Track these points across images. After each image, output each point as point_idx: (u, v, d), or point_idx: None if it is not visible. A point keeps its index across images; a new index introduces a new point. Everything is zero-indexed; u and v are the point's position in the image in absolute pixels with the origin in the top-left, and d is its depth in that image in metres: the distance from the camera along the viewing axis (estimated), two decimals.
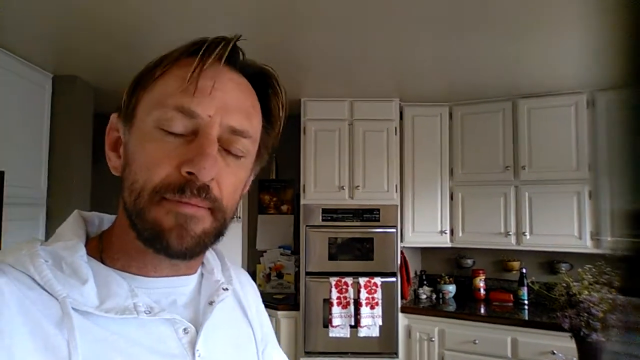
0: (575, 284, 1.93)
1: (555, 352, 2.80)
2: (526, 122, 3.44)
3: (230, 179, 0.60)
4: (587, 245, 3.20)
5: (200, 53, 0.57)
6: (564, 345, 2.35)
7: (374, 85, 3.34)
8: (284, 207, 4.19)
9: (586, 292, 1.89)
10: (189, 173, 0.55)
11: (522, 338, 3.08)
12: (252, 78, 0.64)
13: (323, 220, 3.48)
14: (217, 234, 0.61)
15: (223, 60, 0.59)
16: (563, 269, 3.46)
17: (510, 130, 3.50)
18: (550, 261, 3.56)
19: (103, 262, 0.60)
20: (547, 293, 2.11)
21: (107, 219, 0.69)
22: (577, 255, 3.30)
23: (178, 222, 0.56)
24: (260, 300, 0.83)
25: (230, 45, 0.59)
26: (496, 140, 3.54)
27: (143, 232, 0.57)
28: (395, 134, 3.60)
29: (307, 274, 3.48)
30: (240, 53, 0.63)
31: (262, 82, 0.65)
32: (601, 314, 1.84)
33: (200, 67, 0.57)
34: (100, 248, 0.62)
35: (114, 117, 0.64)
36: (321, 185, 3.53)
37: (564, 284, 1.98)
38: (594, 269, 1.94)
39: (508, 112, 3.51)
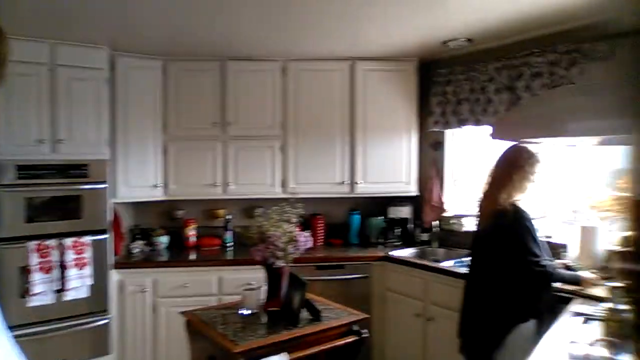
0: (265, 223, 2.36)
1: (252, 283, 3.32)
2: (233, 82, 3.79)
3: None
4: (277, 191, 3.84)
5: None
6: (260, 276, 2.82)
7: (83, 29, 3.06)
8: None
9: (272, 229, 2.34)
10: None
11: (227, 275, 3.52)
12: None
13: (20, 178, 3.08)
14: None
15: None
16: (258, 212, 4.05)
17: (219, 89, 3.80)
18: (251, 207, 4.11)
19: None
20: (243, 233, 2.50)
21: None
22: (271, 200, 3.92)
23: None
24: None
25: None
26: (206, 98, 3.79)
27: None
28: (106, 85, 3.42)
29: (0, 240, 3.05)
30: None
31: None
32: (283, 245, 2.33)
33: None
34: None
35: None
36: (15, 138, 3.09)
37: (258, 225, 2.39)
38: (278, 210, 2.41)
39: (217, 72, 3.79)
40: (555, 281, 2.43)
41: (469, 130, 3.77)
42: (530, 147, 2.46)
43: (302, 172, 3.88)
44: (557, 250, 3.18)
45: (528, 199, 2.45)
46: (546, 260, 2.37)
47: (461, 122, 3.66)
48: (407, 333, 3.46)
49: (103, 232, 3.39)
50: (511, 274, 2.36)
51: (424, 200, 4.02)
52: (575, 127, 1.28)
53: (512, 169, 2.41)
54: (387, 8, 2.73)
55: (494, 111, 3.38)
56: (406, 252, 3.78)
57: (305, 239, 2.38)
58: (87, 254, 3.25)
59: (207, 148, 3.82)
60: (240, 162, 3.84)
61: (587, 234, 2.91)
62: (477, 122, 3.55)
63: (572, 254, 2.99)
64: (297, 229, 2.45)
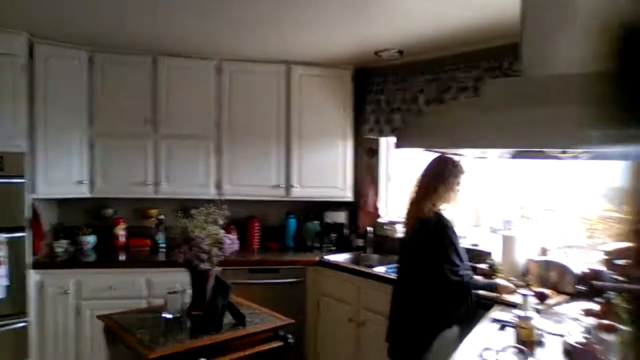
0: (189, 224, 2.30)
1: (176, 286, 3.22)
2: (165, 79, 3.68)
3: None
4: (211, 192, 3.75)
5: None
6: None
7: None
8: None
9: (197, 231, 2.28)
10: None
11: (156, 278, 3.40)
12: None
13: None
14: None
15: None
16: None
17: (150, 85, 3.67)
18: (186, 208, 3.98)
19: None
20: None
21: None
22: (206, 202, 3.83)
23: None
24: None
25: None
26: (136, 93, 3.65)
27: None
28: (23, 72, 3.21)
29: None
30: None
31: None
32: (208, 247, 2.27)
33: None
34: None
35: None
36: None
37: (182, 225, 2.32)
38: (204, 211, 2.35)
39: (149, 67, 3.66)
40: (471, 290, 2.51)
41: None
42: (455, 157, 2.55)
43: (236, 174, 3.82)
44: (483, 257, 3.30)
45: (452, 208, 2.54)
46: (465, 269, 2.45)
47: (394, 131, 3.73)
48: (340, 338, 3.47)
49: (20, 229, 3.17)
50: (432, 282, 2.42)
51: (359, 206, 4.07)
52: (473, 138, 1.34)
53: (437, 178, 2.49)
54: (319, 14, 2.76)
55: None
56: (341, 257, 3.80)
57: (231, 242, 2.34)
58: (3, 253, 3.04)
59: (138, 145, 3.68)
60: (173, 161, 3.72)
61: (509, 243, 3.04)
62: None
63: (495, 261, 3.12)
64: (224, 232, 2.40)
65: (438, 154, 2.52)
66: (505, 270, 2.93)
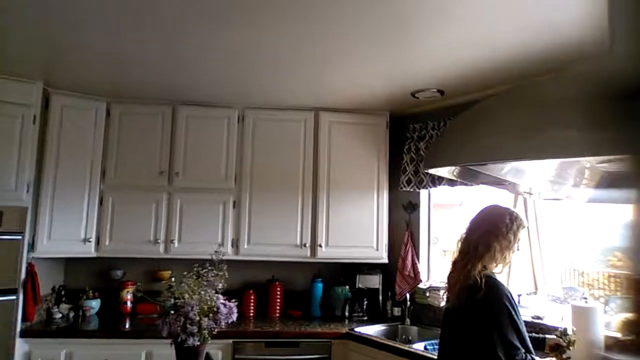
0: (176, 287, 1.88)
1: None
2: (184, 129, 3.42)
3: None
4: (227, 252, 3.34)
5: None
6: None
7: (11, 62, 2.74)
8: None
9: (186, 296, 1.86)
10: None
11: (158, 350, 2.94)
12: None
13: None
14: None
15: None
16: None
17: (168, 135, 3.41)
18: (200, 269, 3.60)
19: None
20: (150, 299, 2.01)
21: None
22: (223, 262, 3.43)
23: None
24: None
25: None
26: (153, 144, 3.39)
27: None
28: (34, 123, 3.03)
29: None
30: None
31: None
32: (197, 318, 1.83)
33: None
34: None
35: None
36: None
37: (169, 288, 1.91)
38: (199, 271, 1.93)
39: (167, 116, 3.43)
40: None
41: (445, 190, 3.37)
42: (512, 208, 2.04)
43: (256, 232, 3.41)
44: (549, 332, 2.67)
45: (504, 270, 2.00)
46: (527, 353, 1.85)
47: (435, 182, 3.26)
48: None
49: (12, 292, 2.85)
50: None
51: (396, 269, 3.53)
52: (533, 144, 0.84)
53: (490, 234, 1.96)
54: (351, 54, 2.45)
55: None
56: (373, 329, 3.24)
57: (228, 311, 1.89)
58: None
59: (150, 200, 3.36)
60: (187, 217, 3.37)
61: (582, 315, 2.43)
62: (453, 182, 3.16)
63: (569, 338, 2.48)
64: (224, 298, 1.96)
65: (493, 205, 2.04)
66: (579, 349, 2.29)
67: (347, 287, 3.58)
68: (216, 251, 1.98)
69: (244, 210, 3.41)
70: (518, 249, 2.01)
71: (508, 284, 1.99)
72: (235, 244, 3.39)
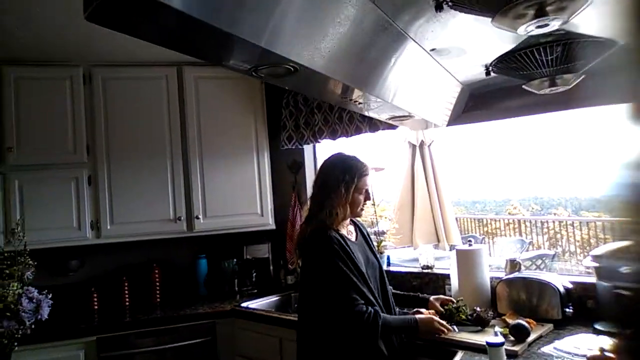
0: None
1: None
2: (13, 94, 2.81)
3: None
4: (87, 237, 2.87)
5: None
6: None
7: None
8: None
9: None
10: None
11: None
12: None
13: None
14: None
15: None
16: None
17: None
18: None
19: None
20: None
21: None
22: (84, 248, 2.97)
23: None
24: None
25: None
26: None
27: None
28: None
29: None
30: None
31: None
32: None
33: None
34: None
35: None
36: None
37: None
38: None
39: None
40: (377, 334, 1.68)
41: (327, 144, 3.12)
42: (353, 156, 1.88)
43: (120, 209, 2.94)
44: (440, 282, 2.56)
45: (344, 220, 1.88)
46: (368, 305, 1.70)
47: (316, 135, 3.00)
48: None
49: None
50: (314, 327, 1.80)
51: (285, 235, 3.26)
52: None
53: (322, 189, 1.86)
54: None
55: (350, 118, 2.77)
56: (265, 302, 2.96)
57: (35, 303, 1.48)
58: None
59: None
60: (30, 200, 2.82)
61: (465, 259, 2.30)
62: (334, 134, 2.92)
63: (454, 286, 2.36)
64: (35, 290, 1.55)
65: (330, 157, 1.94)
66: (465, 297, 2.17)
67: (235, 260, 3.26)
68: (12, 233, 1.53)
69: (102, 186, 2.92)
70: (369, 198, 1.94)
71: (375, 233, 1.81)
72: (96, 226, 2.91)
